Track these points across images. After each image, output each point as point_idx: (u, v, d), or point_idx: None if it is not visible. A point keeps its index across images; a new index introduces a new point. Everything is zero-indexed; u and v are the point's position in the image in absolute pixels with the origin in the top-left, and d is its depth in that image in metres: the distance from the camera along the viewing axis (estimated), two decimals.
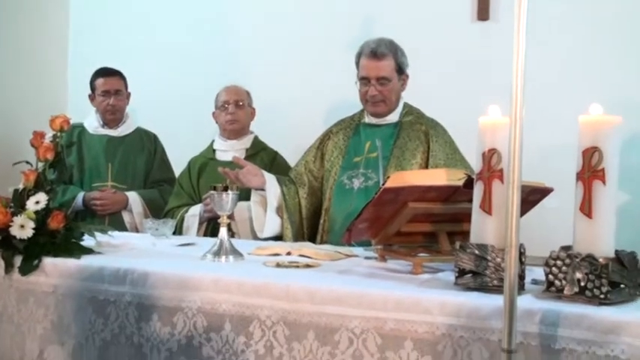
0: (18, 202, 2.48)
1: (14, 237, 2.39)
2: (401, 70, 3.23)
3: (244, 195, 3.08)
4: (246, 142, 3.68)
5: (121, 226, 3.67)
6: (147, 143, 4.10)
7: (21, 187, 2.52)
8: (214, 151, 3.69)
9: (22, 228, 2.40)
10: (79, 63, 4.78)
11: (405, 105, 3.31)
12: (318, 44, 4.19)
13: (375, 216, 2.24)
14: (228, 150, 3.62)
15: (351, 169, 3.23)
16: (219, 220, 2.45)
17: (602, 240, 1.69)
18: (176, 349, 2.10)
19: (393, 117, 3.27)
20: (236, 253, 2.40)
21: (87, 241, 2.55)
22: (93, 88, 4.02)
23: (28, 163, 2.56)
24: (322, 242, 3.13)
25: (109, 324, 2.21)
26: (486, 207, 1.86)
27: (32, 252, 2.39)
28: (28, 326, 2.37)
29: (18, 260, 2.39)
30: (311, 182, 3.33)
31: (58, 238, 2.44)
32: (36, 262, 2.36)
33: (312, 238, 3.23)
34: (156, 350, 2.14)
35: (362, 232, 2.33)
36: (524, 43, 1.50)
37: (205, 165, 3.64)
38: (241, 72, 4.12)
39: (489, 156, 1.87)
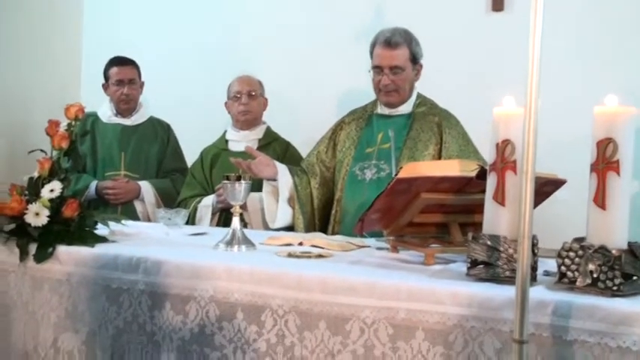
0: (33, 190, 2.50)
1: (29, 225, 2.41)
2: (415, 59, 3.22)
3: (256, 185, 3.09)
4: (259, 132, 3.69)
5: (133, 216, 3.69)
6: (160, 132, 4.11)
7: (36, 175, 2.54)
8: (227, 141, 3.70)
9: (37, 216, 2.42)
10: (92, 52, 4.80)
11: (419, 95, 3.30)
12: (330, 34, 4.18)
13: (387, 206, 2.24)
14: (241, 140, 3.62)
15: (363, 160, 3.23)
16: (231, 210, 2.46)
17: (615, 232, 1.68)
18: (188, 337, 2.12)
19: (406, 108, 3.26)
20: (248, 243, 2.41)
21: (100, 229, 2.57)
22: (107, 77, 4.03)
23: (42, 151, 2.58)
24: (334, 233, 3.13)
25: (122, 312, 2.23)
26: (499, 198, 1.85)
27: (47, 240, 2.40)
28: (42, 314, 2.39)
29: (32, 248, 2.41)
30: (323, 172, 3.33)
31: (72, 227, 2.46)
32: (50, 249, 2.38)
33: (323, 229, 3.23)
34: (168, 338, 2.15)
35: (374, 222, 2.33)
36: (540, 34, 1.49)
37: (218, 155, 3.65)
38: (252, 62, 4.11)
39: (503, 147, 1.86)
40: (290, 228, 3.20)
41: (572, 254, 1.72)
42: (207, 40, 4.56)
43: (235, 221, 2.43)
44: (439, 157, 3.11)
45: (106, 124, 4.05)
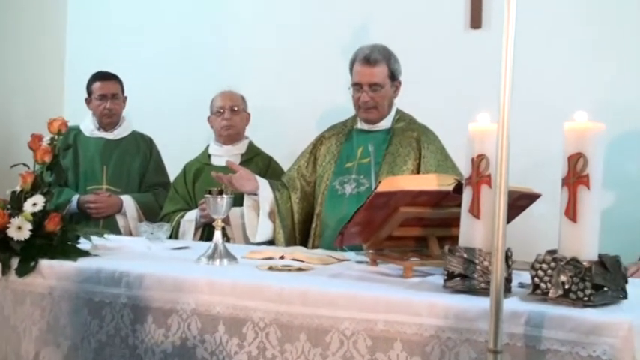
0: (15, 204, 2.52)
1: (11, 238, 2.43)
2: (394, 76, 3.26)
3: (238, 200, 3.12)
4: (242, 147, 3.72)
5: (115, 230, 3.69)
6: (142, 146, 4.13)
7: (18, 189, 2.55)
8: (209, 156, 3.73)
9: (20, 230, 2.44)
10: (75, 66, 4.83)
11: (398, 111, 3.34)
12: (312, 50, 4.24)
13: (367, 220, 2.28)
14: (224, 155, 3.64)
15: (342, 174, 3.26)
16: (213, 224, 2.49)
17: (585, 244, 1.73)
18: (170, 350, 2.13)
19: (386, 123, 3.30)
20: (230, 257, 2.44)
21: (83, 244, 2.58)
22: (90, 91, 4.05)
23: (25, 165, 2.59)
24: (314, 247, 3.17)
25: (105, 325, 2.25)
26: (475, 211, 1.90)
27: (29, 254, 2.42)
28: (25, 327, 2.40)
29: (15, 262, 2.42)
30: (303, 187, 3.36)
31: (54, 240, 2.48)
32: (33, 263, 2.39)
33: (303, 243, 3.26)
34: (150, 351, 2.17)
35: (354, 236, 2.37)
36: (512, 51, 1.55)
37: (201, 170, 3.67)
38: (235, 77, 4.14)
39: (478, 162, 1.91)
40: (271, 242, 3.22)
41: (544, 266, 1.78)
42: (190, 55, 4.60)
43: (217, 235, 2.46)
44: (418, 172, 3.15)
45: (88, 138, 4.06)
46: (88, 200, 3.87)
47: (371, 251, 2.41)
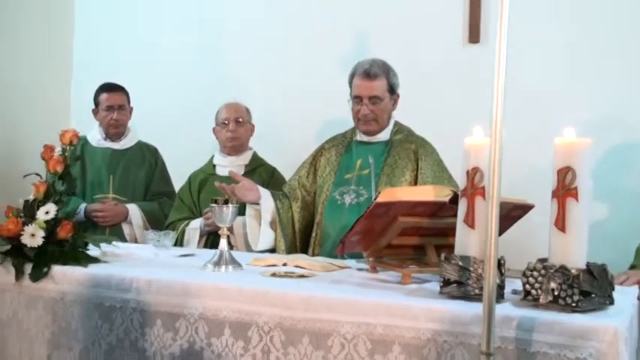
0: (28, 212, 2.61)
1: (25, 245, 2.52)
2: (392, 90, 3.33)
3: (240, 210, 3.19)
4: (246, 157, 3.77)
5: (120, 238, 3.74)
6: (148, 156, 4.19)
7: (31, 197, 2.64)
8: (214, 166, 3.78)
9: (33, 237, 2.53)
10: (82, 78, 4.90)
11: (396, 123, 3.41)
12: (314, 63, 4.31)
13: (367, 229, 2.37)
14: (228, 166, 3.68)
15: (342, 185, 3.33)
16: (219, 232, 2.57)
17: (574, 253, 1.83)
18: (178, 353, 2.22)
19: (384, 135, 3.37)
20: (235, 264, 2.53)
21: (91, 250, 2.67)
22: (97, 102, 4.12)
23: (38, 175, 2.69)
24: (314, 254, 3.23)
25: (115, 329, 2.34)
26: (470, 221, 2.00)
27: (42, 260, 2.51)
28: (37, 331, 2.48)
29: (28, 268, 2.52)
30: (304, 197, 3.42)
31: (66, 247, 2.57)
32: (45, 269, 2.49)
33: (304, 251, 3.31)
34: (159, 354, 2.26)
35: (354, 244, 2.46)
36: (504, 65, 1.65)
37: (206, 180, 3.72)
38: (239, 88, 4.19)
39: (473, 174, 2.01)
40: (272, 250, 3.28)
41: (535, 273, 1.87)
42: (196, 66, 4.68)
43: (223, 243, 2.54)
44: (415, 183, 3.21)
45: (95, 148, 4.13)
46: (95, 209, 3.93)
47: (371, 259, 2.50)
